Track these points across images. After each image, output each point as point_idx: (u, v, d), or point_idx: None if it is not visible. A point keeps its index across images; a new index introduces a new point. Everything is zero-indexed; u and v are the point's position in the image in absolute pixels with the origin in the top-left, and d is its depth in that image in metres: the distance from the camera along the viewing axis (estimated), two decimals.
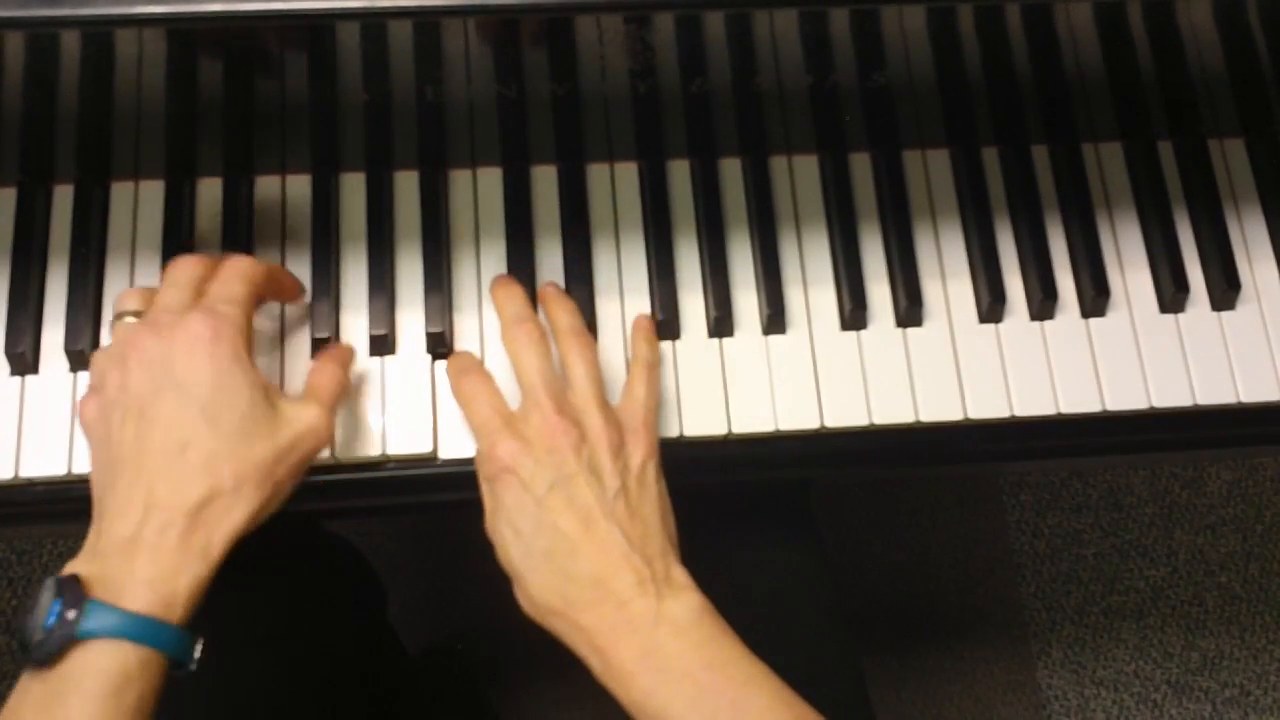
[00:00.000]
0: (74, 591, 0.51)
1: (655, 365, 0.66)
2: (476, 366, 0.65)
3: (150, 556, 0.53)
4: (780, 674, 0.70)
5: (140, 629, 0.51)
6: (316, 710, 0.80)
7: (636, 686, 0.55)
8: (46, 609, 0.51)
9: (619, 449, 0.60)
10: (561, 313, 0.65)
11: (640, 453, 0.61)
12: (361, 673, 0.89)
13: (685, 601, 0.57)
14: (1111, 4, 0.62)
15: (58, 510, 0.66)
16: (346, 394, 0.64)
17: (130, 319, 0.61)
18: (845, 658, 0.79)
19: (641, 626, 0.56)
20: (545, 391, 0.60)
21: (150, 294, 0.62)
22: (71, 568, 0.53)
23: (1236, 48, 0.67)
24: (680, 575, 0.58)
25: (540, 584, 0.58)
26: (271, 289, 0.64)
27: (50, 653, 0.50)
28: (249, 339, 0.59)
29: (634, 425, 0.62)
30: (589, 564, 0.57)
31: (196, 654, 0.54)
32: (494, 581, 0.60)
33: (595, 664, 0.57)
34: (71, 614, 0.50)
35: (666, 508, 0.61)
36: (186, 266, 0.61)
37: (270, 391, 0.59)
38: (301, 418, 0.59)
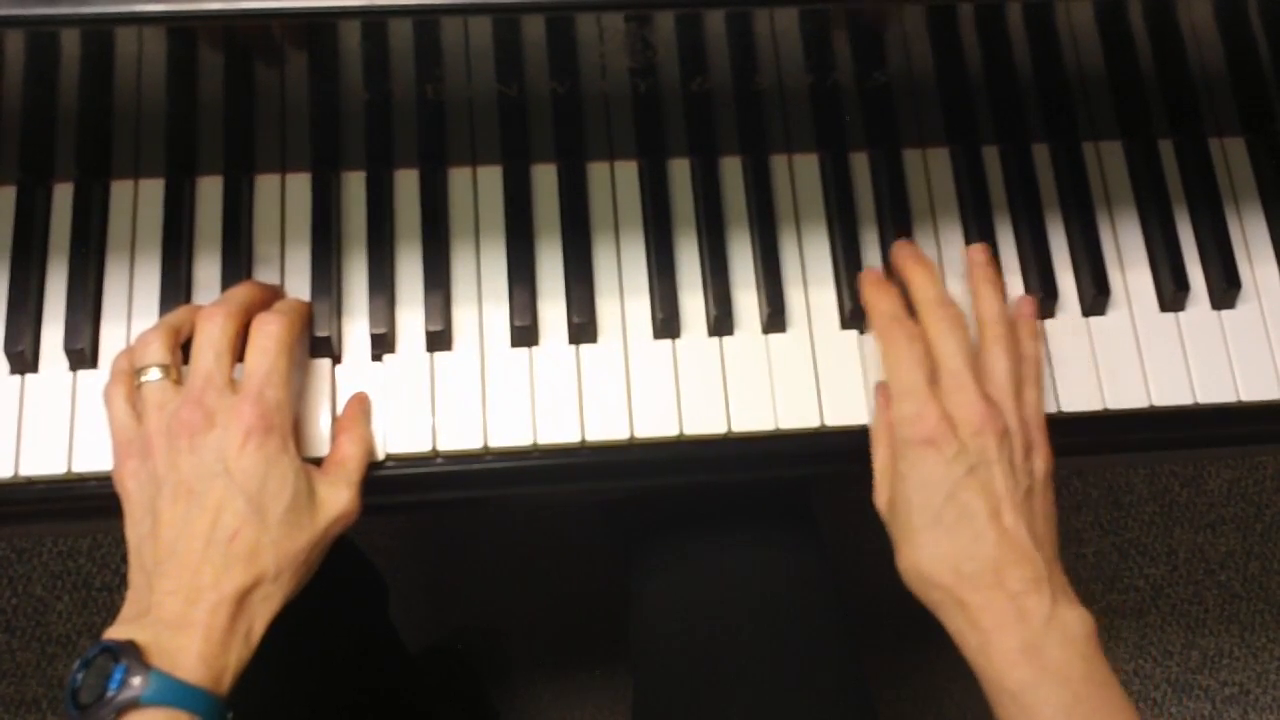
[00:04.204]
0: (135, 659, 0.53)
1: (1041, 362, 0.66)
2: (907, 315, 0.64)
3: (204, 635, 0.54)
4: (781, 673, 0.70)
5: (195, 700, 0.53)
6: (317, 710, 0.80)
7: (1013, 676, 0.57)
8: (108, 672, 0.52)
9: (1030, 450, 0.62)
10: (992, 302, 0.65)
11: (1043, 459, 0.62)
12: (362, 672, 0.89)
13: (1080, 615, 0.58)
14: (1112, 3, 0.62)
15: (57, 509, 0.66)
16: (372, 455, 0.64)
17: (155, 372, 0.60)
18: (846, 657, 0.78)
19: (1033, 622, 0.57)
20: (971, 375, 0.61)
21: (172, 339, 0.61)
22: (125, 633, 0.54)
23: (1237, 47, 0.67)
24: (1069, 589, 0.59)
25: (937, 554, 0.59)
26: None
27: (111, 714, 0.52)
28: (293, 416, 0.60)
29: (1036, 431, 0.63)
30: (990, 550, 0.58)
31: None
32: (494, 582, 0.60)
33: (971, 640, 0.58)
34: (136, 680, 0.52)
35: (1056, 521, 0.62)
36: (218, 325, 0.60)
37: (311, 477, 0.60)
38: (336, 503, 0.60)
